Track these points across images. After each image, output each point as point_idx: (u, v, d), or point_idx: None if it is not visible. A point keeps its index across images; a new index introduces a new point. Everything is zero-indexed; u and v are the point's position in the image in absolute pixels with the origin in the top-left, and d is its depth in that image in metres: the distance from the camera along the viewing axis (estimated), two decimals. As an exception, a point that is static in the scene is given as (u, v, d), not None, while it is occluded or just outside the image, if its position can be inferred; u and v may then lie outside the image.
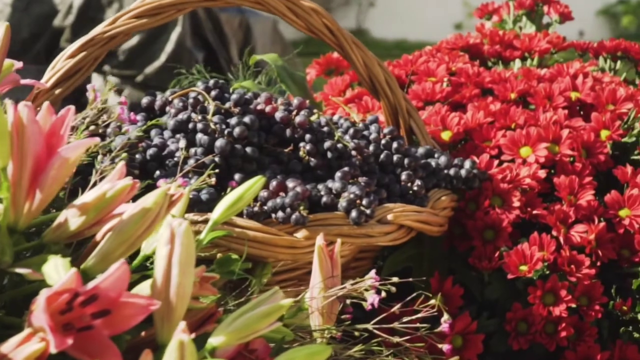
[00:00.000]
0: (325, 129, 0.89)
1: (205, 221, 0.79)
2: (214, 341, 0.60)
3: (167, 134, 0.89)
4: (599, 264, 0.96)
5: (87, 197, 0.64)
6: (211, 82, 0.89)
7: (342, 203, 0.83)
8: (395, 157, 0.92)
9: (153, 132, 0.90)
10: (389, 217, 0.86)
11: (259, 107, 0.90)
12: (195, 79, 1.28)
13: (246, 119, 0.86)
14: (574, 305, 0.91)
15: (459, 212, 0.96)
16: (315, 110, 0.89)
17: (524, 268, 0.91)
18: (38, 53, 3.17)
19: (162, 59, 3.09)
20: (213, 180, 0.80)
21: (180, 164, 0.83)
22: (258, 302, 0.68)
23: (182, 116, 0.87)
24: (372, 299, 0.74)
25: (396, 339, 0.74)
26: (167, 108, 0.92)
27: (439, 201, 0.92)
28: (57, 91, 0.89)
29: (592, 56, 1.23)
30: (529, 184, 0.97)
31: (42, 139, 0.62)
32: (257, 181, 0.76)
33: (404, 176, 0.91)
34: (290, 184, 0.83)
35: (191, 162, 0.84)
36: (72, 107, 0.63)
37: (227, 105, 0.87)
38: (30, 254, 0.63)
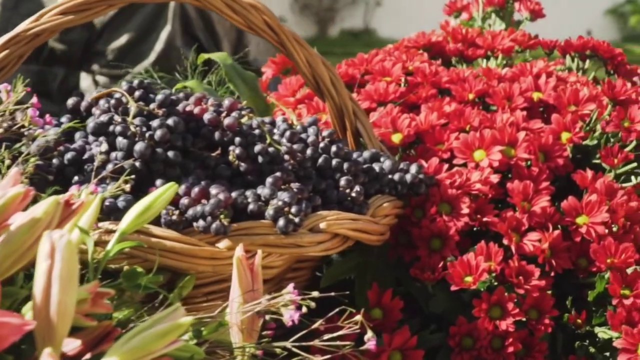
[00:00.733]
0: (257, 131, 0.84)
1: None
2: (107, 361, 0.56)
3: (91, 137, 0.84)
4: (553, 274, 0.91)
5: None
6: (135, 82, 0.84)
7: (269, 211, 0.78)
8: (334, 162, 0.87)
9: (77, 135, 0.85)
10: (322, 225, 0.81)
11: (188, 109, 0.85)
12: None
13: (169, 121, 0.81)
14: (523, 319, 0.86)
15: (405, 220, 0.91)
16: (244, 112, 0.84)
17: (468, 279, 0.85)
18: (26, 52, 3.13)
19: (152, 59, 3.04)
20: (128, 186, 0.75)
21: (97, 169, 0.78)
22: (156, 320, 0.63)
23: (102, 118, 0.82)
24: (289, 315, 0.69)
25: (317, 358, 0.69)
26: (93, 110, 0.87)
27: (380, 208, 0.87)
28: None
29: (560, 55, 1.18)
30: (479, 190, 0.92)
31: None
32: (168, 189, 0.72)
33: (342, 182, 0.86)
34: (213, 190, 0.78)
35: (110, 167, 0.79)
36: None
37: (152, 106, 0.82)
38: None
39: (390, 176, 0.90)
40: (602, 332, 0.89)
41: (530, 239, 0.91)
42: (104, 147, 0.81)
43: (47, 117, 0.82)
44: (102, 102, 0.85)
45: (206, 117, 0.83)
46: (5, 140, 0.79)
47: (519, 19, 1.30)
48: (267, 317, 0.72)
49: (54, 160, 0.80)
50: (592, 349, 0.89)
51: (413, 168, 0.90)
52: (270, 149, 0.83)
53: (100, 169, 0.80)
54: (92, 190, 0.72)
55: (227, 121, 0.83)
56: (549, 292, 0.90)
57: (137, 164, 0.80)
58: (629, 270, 0.90)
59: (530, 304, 0.86)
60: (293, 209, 0.78)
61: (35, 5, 3.18)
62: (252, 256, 0.73)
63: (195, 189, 0.78)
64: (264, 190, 0.80)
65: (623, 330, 0.86)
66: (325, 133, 0.88)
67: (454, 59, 1.16)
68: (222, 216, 0.75)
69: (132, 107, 0.81)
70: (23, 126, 0.79)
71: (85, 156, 0.82)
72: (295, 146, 0.85)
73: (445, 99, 1.04)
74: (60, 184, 0.79)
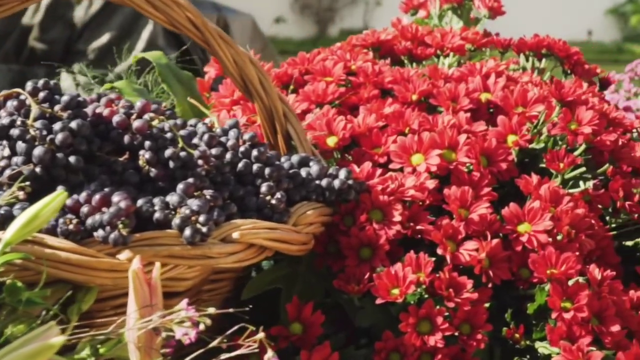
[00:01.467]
0: (169, 134, 0.79)
1: (3, 242, 0.69)
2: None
3: (-3, 140, 0.80)
4: (490, 285, 0.86)
5: None
6: (40, 82, 0.79)
7: (176, 220, 0.73)
8: (255, 167, 0.82)
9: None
10: (235, 235, 0.76)
11: (98, 111, 0.80)
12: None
13: (72, 124, 0.76)
14: (455, 333, 0.81)
15: (333, 228, 0.86)
16: (152, 115, 0.79)
17: (395, 292, 0.81)
18: (7, 52, 3.09)
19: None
20: (22, 194, 0.70)
21: (-5, 175, 0.73)
22: (27, 339, 0.59)
23: (4, 121, 0.77)
24: (181, 333, 0.64)
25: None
26: (1, 112, 0.82)
27: (304, 216, 0.82)
28: None
29: (515, 54, 1.13)
30: (413, 196, 0.87)
31: None
32: (56, 197, 0.67)
33: (263, 188, 0.81)
34: (115, 198, 0.73)
35: (8, 172, 0.74)
36: None
37: (56, 108, 0.78)
38: None
39: (317, 182, 0.85)
40: (543, 347, 0.85)
41: (467, 248, 0.86)
42: (7, 151, 0.77)
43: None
44: (9, 103, 0.81)
45: (115, 119, 0.79)
46: None
47: (478, 17, 1.25)
48: (164, 334, 0.67)
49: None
50: (531, 365, 0.84)
51: (342, 173, 0.85)
52: (182, 154, 0.78)
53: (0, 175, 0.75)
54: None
55: (136, 124, 0.78)
56: (487, 304, 0.86)
57: (38, 169, 0.75)
58: (571, 282, 0.85)
59: (462, 318, 0.81)
60: (201, 218, 0.73)
61: None
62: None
63: (97, 196, 0.73)
64: (172, 198, 0.75)
65: (561, 346, 0.81)
66: (246, 136, 0.83)
67: (403, 59, 1.11)
68: (121, 226, 0.71)
69: (33, 109, 0.76)
70: None
71: (-14, 161, 0.77)
72: (213, 150, 0.81)
73: (388, 100, 0.99)
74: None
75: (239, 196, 0.80)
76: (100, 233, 0.71)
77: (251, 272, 0.89)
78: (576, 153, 0.95)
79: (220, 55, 0.88)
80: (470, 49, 1.13)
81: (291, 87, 1.05)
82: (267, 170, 0.82)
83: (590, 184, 0.93)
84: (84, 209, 0.72)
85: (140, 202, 0.75)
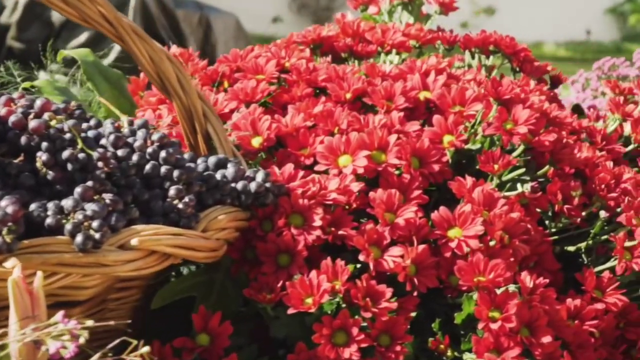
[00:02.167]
0: (68, 135, 0.75)
1: None
2: None
3: None
4: (416, 294, 0.81)
5: None
6: None
7: (68, 226, 0.69)
8: (163, 169, 0.78)
9: None
10: (133, 241, 0.71)
11: (-5, 110, 0.76)
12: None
13: (-38, 125, 0.72)
14: (370, 345, 0.76)
15: (251, 234, 0.82)
16: (51, 115, 0.74)
17: (309, 301, 0.76)
18: (-16, 51, 3.06)
19: (112, 57, 2.96)
20: None
21: None
22: None
23: None
24: (55, 347, 0.60)
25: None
26: None
27: (215, 221, 0.78)
28: None
29: (462, 51, 1.09)
30: (335, 200, 0.82)
31: None
32: None
33: (172, 191, 0.77)
34: (3, 202, 0.69)
35: None
36: None
37: (-53, 107, 0.73)
38: None
39: (233, 185, 0.80)
40: (470, 359, 0.80)
41: (391, 254, 0.81)
42: None
43: None
44: None
45: (11, 119, 0.74)
46: None
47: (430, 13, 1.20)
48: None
49: None
50: (458, 378, 0.80)
51: (259, 176, 0.81)
52: (81, 155, 0.73)
53: None
54: None
55: (32, 124, 0.74)
56: (413, 314, 0.81)
57: None
58: (499, 291, 0.80)
59: (381, 329, 0.77)
60: (94, 224, 0.69)
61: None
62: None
63: (-17, 201, 0.69)
64: (67, 202, 0.71)
65: (486, 358, 0.77)
66: (155, 137, 0.79)
67: (344, 56, 1.07)
68: (5, 232, 0.66)
69: None
70: None
71: None
72: (119, 152, 0.76)
73: (321, 99, 0.95)
74: None
75: (144, 200, 0.76)
76: (-16, 240, 0.67)
77: (168, 278, 0.85)
78: (515, 154, 0.90)
79: (135, 51, 0.84)
80: (415, 46, 1.08)
81: (226, 84, 1.01)
82: (175, 173, 0.77)
83: (528, 186, 0.89)
84: (-31, 214, 0.68)
85: (33, 206, 0.71)
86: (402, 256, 0.81)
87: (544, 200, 0.89)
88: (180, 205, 0.76)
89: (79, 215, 0.69)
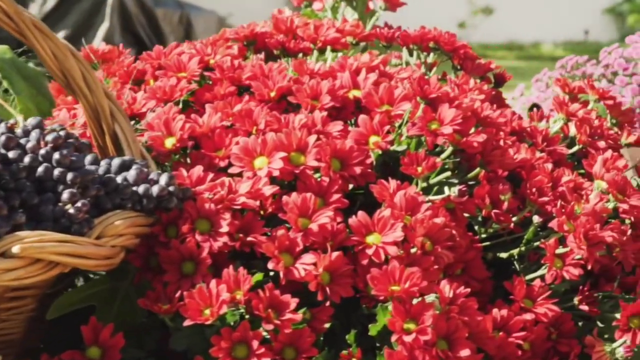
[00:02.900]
0: (-50, 136, 0.70)
1: None
2: None
3: None
4: (328, 304, 0.77)
5: None
6: None
7: (-60, 232, 0.65)
8: (56, 172, 0.73)
9: None
10: (14, 249, 0.67)
11: None
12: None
13: None
14: (275, 359, 0.72)
15: (154, 240, 0.77)
16: None
17: (207, 312, 0.72)
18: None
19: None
20: None
21: None
22: None
23: None
24: None
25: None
26: None
27: (111, 227, 0.73)
28: None
29: (401, 48, 1.04)
30: (244, 204, 0.78)
31: None
32: None
33: (64, 195, 0.72)
34: None
35: None
36: None
37: None
38: None
39: (134, 188, 0.76)
40: (386, 373, 0.76)
41: (304, 262, 0.77)
42: None
43: None
44: None
45: None
46: None
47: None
48: None
49: None
50: (372, 393, 0.76)
51: (163, 179, 0.77)
52: (-38, 157, 0.69)
53: None
54: None
55: None
56: (327, 325, 0.77)
57: None
58: (416, 301, 0.76)
59: (284, 342, 0.72)
60: (-31, 230, 0.65)
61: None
62: None
63: None
64: (-57, 207, 0.66)
65: (398, 374, 0.72)
66: (48, 137, 0.74)
67: (276, 53, 1.02)
68: None
69: None
70: None
71: None
72: (10, 154, 0.72)
73: (245, 98, 0.91)
74: None
75: (33, 205, 0.72)
76: None
77: (69, 287, 0.81)
78: (443, 156, 0.86)
79: (37, 47, 0.80)
80: (353, 43, 1.04)
81: (152, 82, 0.96)
82: (69, 175, 0.73)
83: (455, 190, 0.84)
84: None
85: None
86: (314, 264, 0.77)
87: (471, 204, 0.84)
88: (71, 210, 0.71)
89: (-47, 221, 0.65)
